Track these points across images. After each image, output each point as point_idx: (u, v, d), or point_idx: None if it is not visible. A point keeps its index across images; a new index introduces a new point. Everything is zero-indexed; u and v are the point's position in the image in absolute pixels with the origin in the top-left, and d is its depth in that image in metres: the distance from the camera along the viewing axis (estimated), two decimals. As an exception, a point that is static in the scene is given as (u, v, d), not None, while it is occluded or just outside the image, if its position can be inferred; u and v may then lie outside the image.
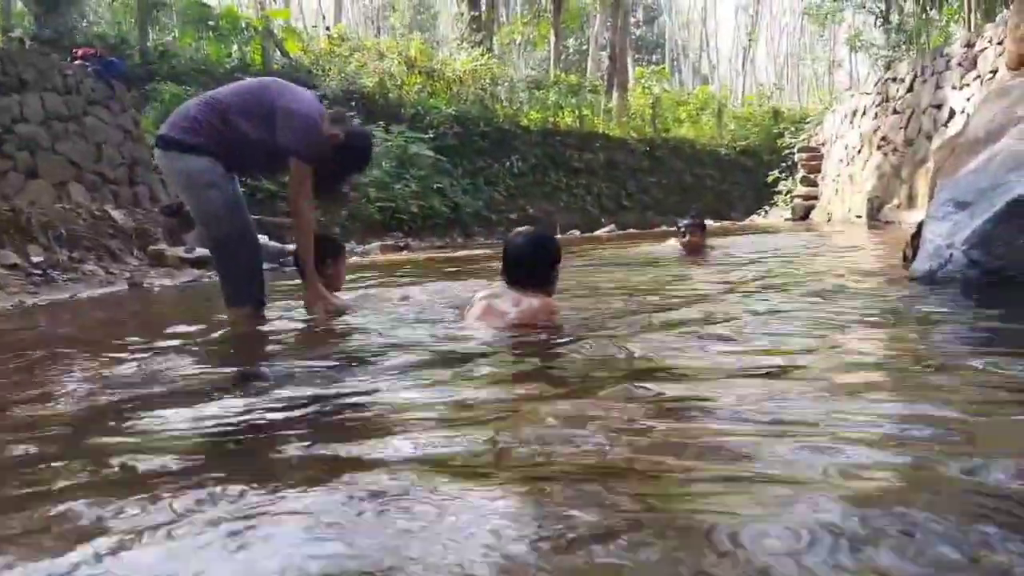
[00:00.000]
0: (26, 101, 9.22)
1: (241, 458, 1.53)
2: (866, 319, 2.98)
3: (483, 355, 2.45)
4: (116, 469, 1.43)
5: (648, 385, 1.85)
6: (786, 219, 19.39)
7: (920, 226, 4.17)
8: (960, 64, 12.03)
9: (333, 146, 3.50)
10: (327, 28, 24.10)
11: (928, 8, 17.52)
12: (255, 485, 1.24)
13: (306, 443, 1.55)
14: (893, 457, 1.27)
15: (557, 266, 3.06)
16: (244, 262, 3.54)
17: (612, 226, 18.26)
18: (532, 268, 2.97)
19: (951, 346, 2.40)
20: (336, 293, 3.78)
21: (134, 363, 2.63)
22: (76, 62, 10.63)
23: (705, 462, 1.30)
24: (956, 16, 17.80)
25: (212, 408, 1.88)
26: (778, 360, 2.12)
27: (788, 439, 1.36)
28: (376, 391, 2.04)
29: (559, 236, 16.17)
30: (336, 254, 3.86)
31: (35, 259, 7.19)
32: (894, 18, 19.44)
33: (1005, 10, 12.97)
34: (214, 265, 3.83)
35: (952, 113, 11.97)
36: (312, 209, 3.57)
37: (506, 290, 2.98)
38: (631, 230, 17.58)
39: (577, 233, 17.11)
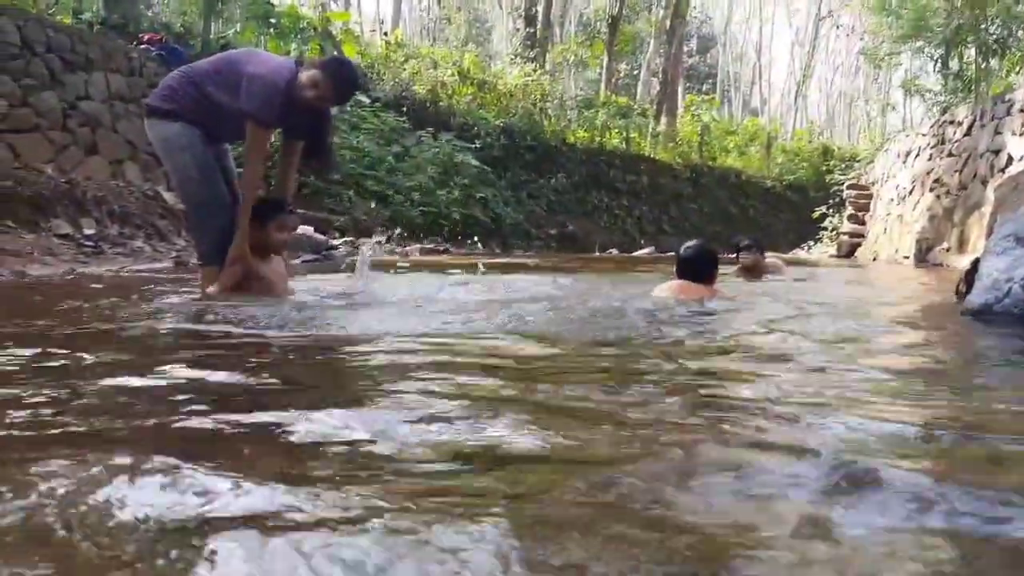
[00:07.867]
0: (91, 80, 9.46)
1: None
2: (915, 346, 2.92)
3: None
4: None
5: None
6: (831, 255, 19.13)
7: (975, 262, 4.08)
8: (1022, 111, 11.80)
9: (312, 85, 3.50)
10: (384, 34, 24.40)
11: (989, 57, 17.21)
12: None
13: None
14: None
15: (718, 267, 4.16)
16: (216, 224, 3.61)
17: (652, 248, 18.17)
18: (700, 267, 4.05)
19: (996, 374, 2.33)
20: (277, 258, 3.81)
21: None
22: (141, 46, 10.89)
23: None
24: (1018, 67, 17.49)
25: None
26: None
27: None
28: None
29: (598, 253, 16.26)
30: (281, 218, 3.73)
31: (87, 231, 7.35)
32: (953, 64, 19.12)
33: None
34: (188, 226, 3.99)
35: (1010, 159, 11.74)
36: (261, 174, 3.75)
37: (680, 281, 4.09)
38: (671, 253, 17.44)
39: (615, 252, 17.05)
